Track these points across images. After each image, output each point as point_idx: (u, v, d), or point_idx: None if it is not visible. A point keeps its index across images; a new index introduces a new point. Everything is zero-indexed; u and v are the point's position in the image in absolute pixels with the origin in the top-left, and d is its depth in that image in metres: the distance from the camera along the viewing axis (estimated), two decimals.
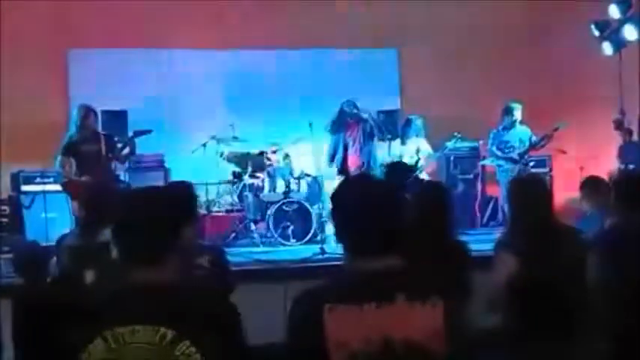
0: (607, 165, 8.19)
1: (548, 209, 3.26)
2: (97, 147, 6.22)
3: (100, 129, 6.79)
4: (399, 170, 4.47)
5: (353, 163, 7.34)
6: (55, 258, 3.63)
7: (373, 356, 1.73)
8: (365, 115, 7.23)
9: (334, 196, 1.97)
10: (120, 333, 1.76)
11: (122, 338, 1.75)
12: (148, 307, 1.79)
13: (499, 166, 7.74)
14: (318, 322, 1.75)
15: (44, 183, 7.34)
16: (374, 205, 1.84)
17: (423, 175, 7.69)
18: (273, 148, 7.95)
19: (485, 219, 8.62)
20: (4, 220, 7.40)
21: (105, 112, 7.80)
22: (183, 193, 2.83)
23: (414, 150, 7.67)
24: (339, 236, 1.89)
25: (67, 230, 4.64)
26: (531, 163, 8.27)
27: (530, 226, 3.17)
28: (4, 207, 7.50)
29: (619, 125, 7.59)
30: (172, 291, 1.84)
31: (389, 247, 1.85)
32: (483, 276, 3.23)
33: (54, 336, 2.25)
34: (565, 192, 6.69)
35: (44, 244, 4.71)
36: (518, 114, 7.57)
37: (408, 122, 7.84)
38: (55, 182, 6.89)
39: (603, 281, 3.34)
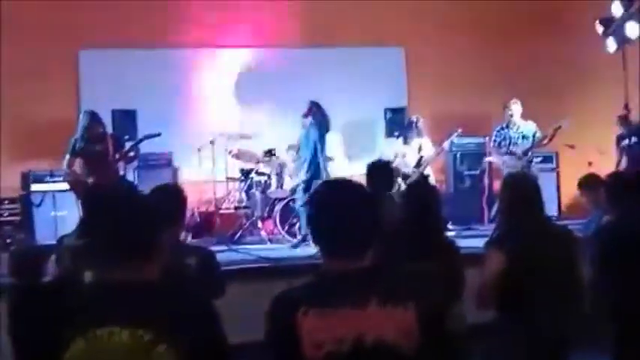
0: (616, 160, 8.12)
1: (538, 209, 3.27)
2: (103, 148, 6.29)
3: (110, 128, 6.87)
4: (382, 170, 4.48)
5: None
6: (54, 258, 3.67)
7: (345, 356, 1.78)
8: None
9: (310, 200, 2.02)
10: (99, 333, 1.80)
11: (101, 338, 1.80)
12: (126, 308, 1.83)
13: (503, 162, 7.73)
14: (293, 324, 1.79)
15: (54, 182, 7.48)
16: (348, 209, 1.87)
17: (428, 172, 7.73)
18: (286, 146, 8.02)
19: (492, 215, 8.59)
20: (15, 218, 7.56)
21: (115, 112, 7.90)
22: (168, 196, 2.88)
23: (417, 148, 7.70)
24: (316, 239, 1.94)
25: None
26: (538, 159, 8.25)
27: (519, 226, 3.19)
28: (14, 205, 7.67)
29: (624, 121, 7.53)
30: (151, 293, 1.88)
31: (363, 251, 1.88)
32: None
33: (43, 336, 2.30)
34: (573, 188, 6.65)
35: (53, 242, 4.77)
36: (517, 110, 7.53)
37: (410, 123, 7.87)
38: (64, 182, 6.99)
39: (594, 281, 3.36)
